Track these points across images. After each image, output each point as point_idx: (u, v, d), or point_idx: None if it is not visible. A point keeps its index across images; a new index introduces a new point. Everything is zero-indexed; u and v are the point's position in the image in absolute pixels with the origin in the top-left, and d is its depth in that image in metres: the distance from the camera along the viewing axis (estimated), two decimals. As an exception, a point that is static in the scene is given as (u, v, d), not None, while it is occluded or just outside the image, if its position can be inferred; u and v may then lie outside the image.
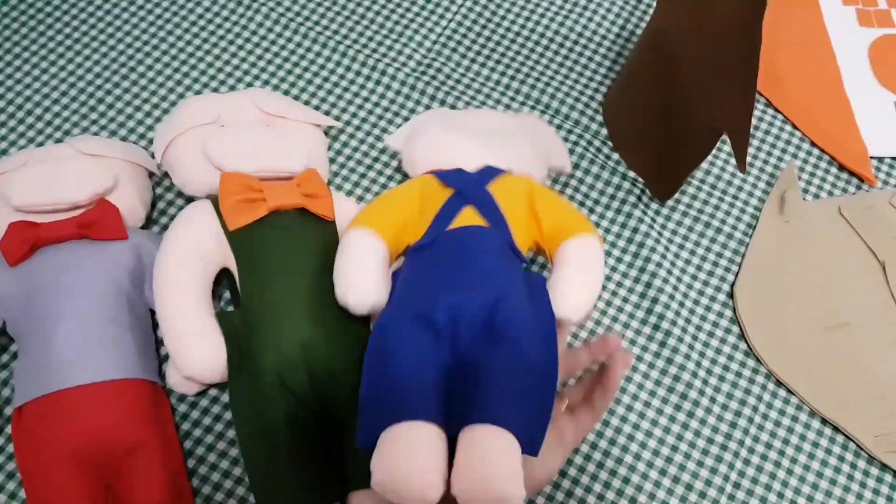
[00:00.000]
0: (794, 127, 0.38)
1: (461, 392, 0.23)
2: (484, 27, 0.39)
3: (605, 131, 0.37)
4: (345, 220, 0.29)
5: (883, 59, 0.40)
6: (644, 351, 0.32)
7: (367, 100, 0.37)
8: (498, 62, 0.38)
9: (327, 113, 0.36)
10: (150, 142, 0.34)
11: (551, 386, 0.23)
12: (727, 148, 0.38)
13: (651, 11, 0.41)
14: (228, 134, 0.30)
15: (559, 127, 0.37)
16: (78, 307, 0.26)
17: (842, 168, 0.37)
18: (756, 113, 0.38)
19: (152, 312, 0.29)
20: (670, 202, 0.36)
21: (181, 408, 0.29)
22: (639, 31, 0.40)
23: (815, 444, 0.31)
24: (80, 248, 0.28)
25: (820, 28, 0.41)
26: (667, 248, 0.35)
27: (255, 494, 0.26)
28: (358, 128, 0.36)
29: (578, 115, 0.37)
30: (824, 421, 0.31)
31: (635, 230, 0.35)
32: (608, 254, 0.34)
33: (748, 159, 0.36)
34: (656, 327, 0.33)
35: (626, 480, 0.29)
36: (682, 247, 0.35)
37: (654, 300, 0.33)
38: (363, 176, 0.35)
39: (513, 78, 0.38)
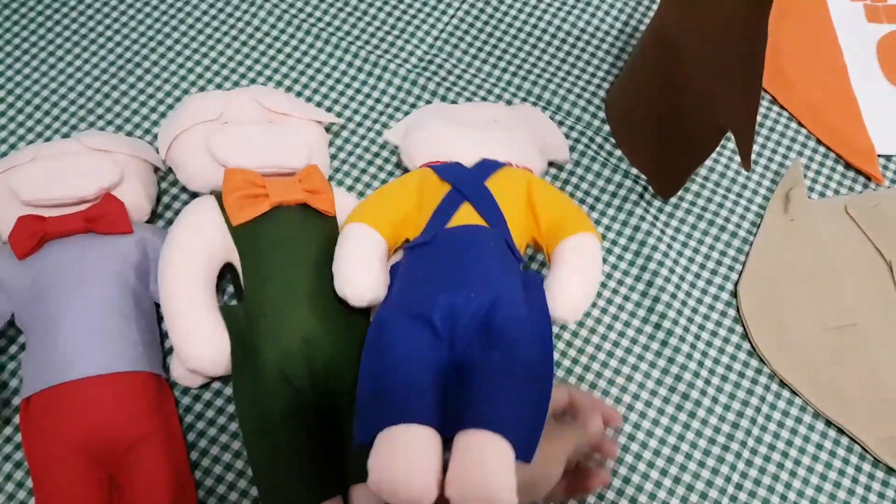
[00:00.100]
0: (800, 124, 0.38)
1: (457, 392, 0.23)
2: (486, 23, 0.39)
3: (606, 128, 0.37)
4: (345, 216, 0.29)
5: (891, 56, 0.39)
6: (645, 351, 0.32)
7: (368, 96, 0.37)
8: (500, 58, 0.38)
9: (329, 109, 0.36)
10: (155, 137, 0.35)
11: (546, 390, 0.23)
12: (731, 145, 0.37)
13: (654, 8, 0.40)
14: (232, 130, 0.30)
15: (561, 123, 0.37)
16: (84, 300, 0.27)
17: (848, 166, 0.37)
18: (761, 110, 0.38)
19: (157, 306, 0.29)
20: (673, 200, 0.35)
21: (185, 400, 0.29)
22: (642, 28, 0.40)
23: (819, 447, 0.31)
24: (87, 241, 0.28)
25: (827, 24, 0.40)
26: (669, 247, 0.34)
27: (258, 487, 0.26)
28: (359, 124, 0.36)
29: (580, 111, 0.37)
30: (828, 423, 0.31)
31: (637, 228, 0.35)
32: (609, 252, 0.34)
33: (753, 157, 0.36)
34: (658, 326, 0.32)
35: (626, 480, 0.29)
36: (684, 245, 0.35)
37: (656, 299, 0.33)
38: (364, 172, 0.35)
39: (514, 74, 0.38)
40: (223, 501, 0.28)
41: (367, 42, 0.38)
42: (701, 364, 0.32)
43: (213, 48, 0.38)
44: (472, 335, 0.24)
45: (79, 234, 0.28)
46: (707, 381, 0.32)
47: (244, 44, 0.38)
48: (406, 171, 0.33)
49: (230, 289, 0.31)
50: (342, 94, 0.37)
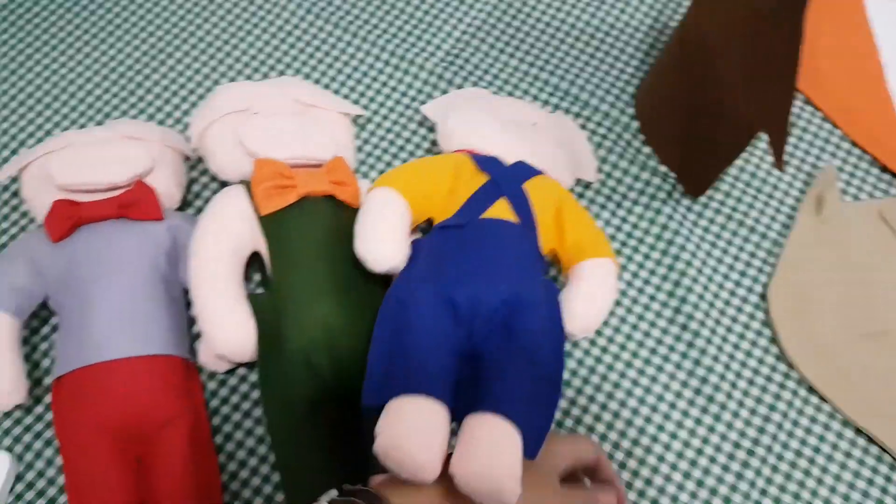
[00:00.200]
0: (834, 125, 0.37)
1: (470, 381, 0.23)
2: (514, 17, 0.39)
3: (635, 125, 0.36)
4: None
5: (933, 56, 0.38)
6: (671, 350, 0.32)
7: (394, 89, 0.37)
8: (527, 53, 0.38)
9: (356, 102, 0.37)
10: (186, 126, 0.35)
11: (555, 396, 0.23)
12: (763, 144, 0.36)
13: (685, 3, 0.40)
14: (261, 121, 0.31)
15: (588, 119, 0.36)
16: (115, 284, 0.27)
17: (884, 169, 0.36)
18: (794, 110, 0.37)
19: (186, 291, 0.30)
20: (702, 199, 0.35)
21: (211, 385, 0.30)
22: (672, 24, 0.39)
23: (848, 454, 0.30)
24: (119, 227, 0.29)
25: (862, 21, 0.39)
26: (697, 247, 0.34)
27: (281, 472, 0.26)
28: (385, 117, 0.36)
29: (609, 107, 0.37)
30: (858, 430, 0.30)
31: (665, 227, 0.34)
32: (636, 250, 0.34)
33: (785, 157, 0.35)
34: (684, 327, 0.32)
35: (648, 482, 0.29)
36: (713, 245, 0.34)
37: (683, 300, 0.32)
38: (389, 164, 0.35)
39: (542, 69, 0.38)
40: (246, 485, 0.28)
41: (394, 35, 0.38)
42: (727, 366, 0.31)
43: (244, 40, 0.38)
44: (491, 328, 0.24)
45: (111, 220, 0.29)
46: (733, 384, 0.31)
47: (273, 36, 0.38)
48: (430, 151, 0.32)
49: (258, 277, 0.32)
50: (369, 86, 0.37)
